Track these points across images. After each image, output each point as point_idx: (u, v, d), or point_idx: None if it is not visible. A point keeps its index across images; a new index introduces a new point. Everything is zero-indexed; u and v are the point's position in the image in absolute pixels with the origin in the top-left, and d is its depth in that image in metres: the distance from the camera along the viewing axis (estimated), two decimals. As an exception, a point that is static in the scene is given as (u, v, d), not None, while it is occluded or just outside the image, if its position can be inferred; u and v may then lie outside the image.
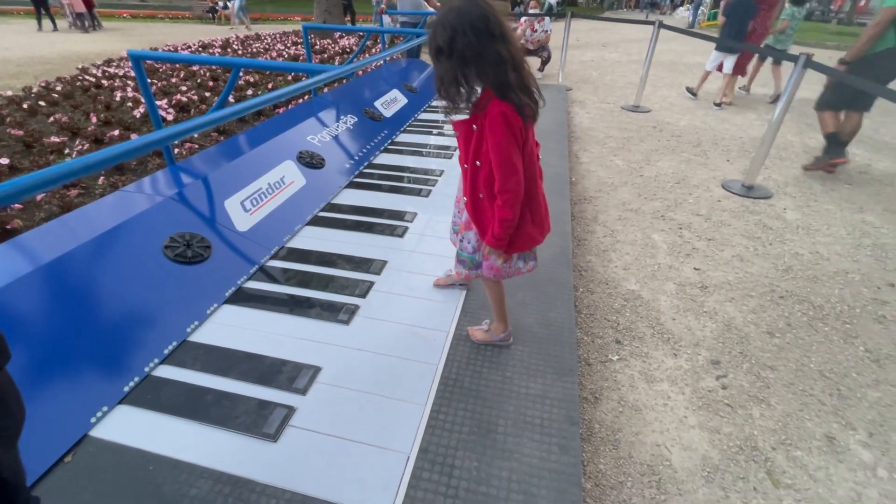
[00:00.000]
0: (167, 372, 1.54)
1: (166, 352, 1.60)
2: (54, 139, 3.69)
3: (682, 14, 15.18)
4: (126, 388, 1.45)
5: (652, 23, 5.65)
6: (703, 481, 1.41)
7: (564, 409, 1.45)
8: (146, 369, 1.52)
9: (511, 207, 1.32)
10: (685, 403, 1.67)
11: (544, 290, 2.00)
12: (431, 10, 6.44)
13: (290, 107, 4.62)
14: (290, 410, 1.40)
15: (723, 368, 1.83)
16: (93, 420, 1.35)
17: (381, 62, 5.65)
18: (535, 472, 1.26)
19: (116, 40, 10.39)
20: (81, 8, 11.71)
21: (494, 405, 1.45)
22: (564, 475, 1.25)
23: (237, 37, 10.45)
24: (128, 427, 1.35)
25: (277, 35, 10.98)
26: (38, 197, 2.88)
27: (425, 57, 7.03)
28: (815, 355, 1.90)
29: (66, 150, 3.63)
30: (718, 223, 2.92)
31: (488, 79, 1.22)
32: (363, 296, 1.93)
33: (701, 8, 14.65)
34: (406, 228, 2.45)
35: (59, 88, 5.33)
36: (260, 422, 1.36)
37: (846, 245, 2.71)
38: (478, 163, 1.34)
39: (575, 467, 1.27)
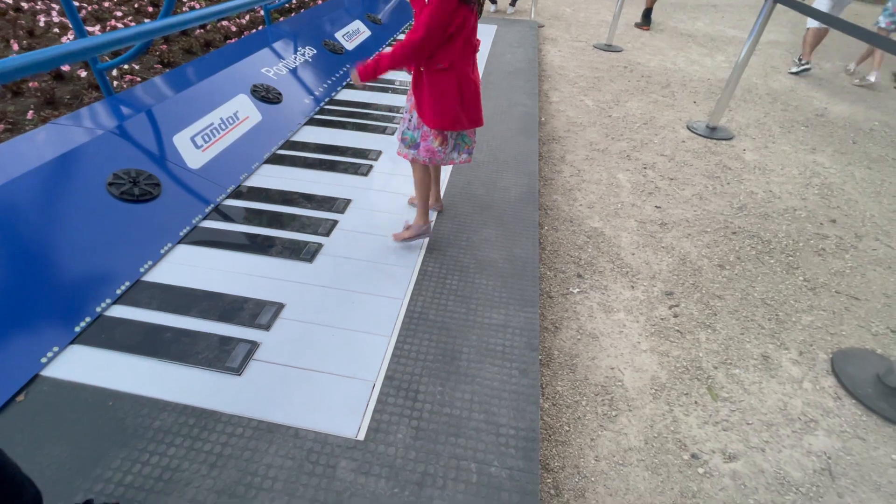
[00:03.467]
0: (121, 311, 1.48)
1: (119, 292, 1.53)
2: (-30, 68, 3.27)
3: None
4: (77, 329, 1.40)
5: (628, -46, 5.37)
6: (650, 398, 1.52)
7: (525, 337, 1.50)
8: (98, 309, 1.46)
9: (404, 50, 1.44)
10: (639, 331, 1.77)
11: (510, 227, 2.01)
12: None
13: (242, 36, 4.24)
14: (254, 345, 1.40)
15: (675, 298, 1.93)
16: (43, 360, 1.30)
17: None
18: (496, 393, 1.32)
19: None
20: None
21: (459, 335, 1.49)
22: (524, 396, 1.32)
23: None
24: (83, 366, 1.31)
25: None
26: (-42, 133, 2.60)
27: (390, -14, 6.53)
28: (760, 285, 2.03)
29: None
30: (681, 163, 2.98)
31: None
32: (327, 234, 1.89)
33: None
34: (371, 167, 2.37)
35: (-31, 11, 4.66)
36: (223, 357, 1.35)
37: (797, 184, 2.83)
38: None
39: (534, 388, 1.34)
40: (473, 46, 1.54)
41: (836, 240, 2.36)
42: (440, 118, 1.59)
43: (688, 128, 3.47)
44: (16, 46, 3.79)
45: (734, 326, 1.82)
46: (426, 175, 1.79)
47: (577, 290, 1.94)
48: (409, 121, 1.69)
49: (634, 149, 3.11)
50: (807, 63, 4.79)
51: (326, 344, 1.43)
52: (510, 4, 6.52)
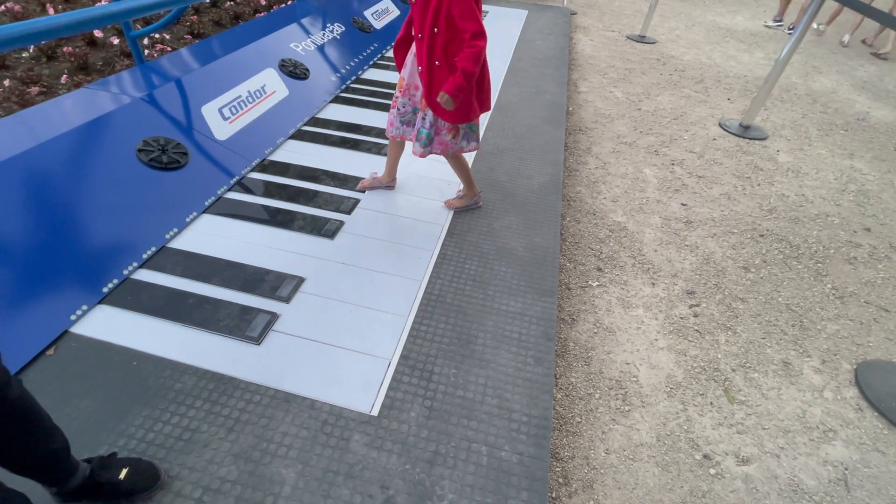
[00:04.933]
0: (147, 276, 1.52)
1: (145, 256, 1.57)
2: (8, 31, 3.34)
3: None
4: (105, 290, 1.44)
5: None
6: (665, 396, 1.51)
7: (542, 326, 1.49)
8: (125, 272, 1.50)
9: (475, 63, 1.43)
10: (657, 328, 1.75)
11: (532, 217, 1.98)
12: None
13: (271, 10, 4.23)
14: (274, 316, 1.42)
15: (697, 298, 1.89)
16: (73, 318, 1.34)
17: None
18: (511, 380, 1.32)
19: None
20: None
21: (475, 320, 1.49)
22: (537, 384, 1.32)
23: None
24: (109, 325, 1.35)
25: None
26: (-4, 93, 2.66)
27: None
28: (785, 290, 1.98)
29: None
30: (711, 161, 2.89)
31: None
32: (348, 212, 1.89)
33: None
34: (394, 148, 2.36)
35: (8, -26, 4.73)
36: (243, 326, 1.38)
37: (832, 189, 2.73)
38: (435, 30, 1.44)
39: (548, 378, 1.34)
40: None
41: (870, 249, 2.27)
42: (459, 113, 1.58)
43: (720, 125, 3.36)
44: (51, 9, 3.84)
45: (756, 330, 1.78)
46: (457, 159, 1.83)
47: (597, 283, 1.92)
48: (423, 119, 1.67)
49: (663, 144, 3.03)
50: (780, 20, 5.90)
51: (344, 320, 1.44)
52: (542, -11, 6.36)
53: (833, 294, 1.99)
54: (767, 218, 2.42)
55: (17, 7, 3.79)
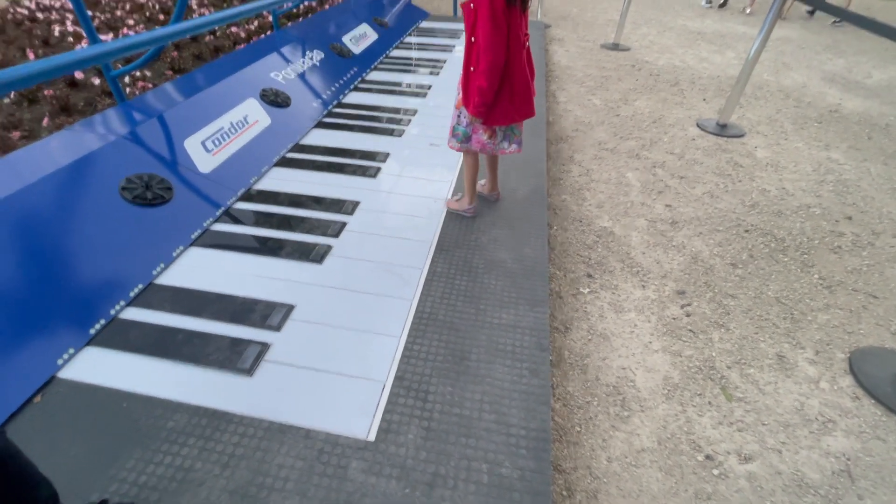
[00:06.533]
0: (135, 314, 1.50)
1: (132, 294, 1.56)
2: (-12, 78, 3.35)
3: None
4: (92, 331, 1.42)
5: (635, -48, 5.34)
6: (663, 398, 1.51)
7: (535, 336, 1.49)
8: (112, 312, 1.48)
9: (486, 77, 1.55)
10: (651, 330, 1.75)
11: (519, 228, 2.00)
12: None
13: (251, 42, 4.29)
14: (265, 346, 1.41)
15: (687, 298, 1.91)
16: (59, 362, 1.32)
17: (349, -6, 5.24)
18: (507, 394, 1.31)
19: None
20: None
21: (468, 335, 1.49)
22: (534, 396, 1.31)
23: (188, -34, 9.45)
24: (98, 367, 1.33)
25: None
26: (-23, 140, 2.66)
27: (396, -11, 6.56)
28: (774, 284, 2.00)
29: (4, 91, 3.31)
30: (691, 161, 2.94)
31: None
32: (336, 236, 1.90)
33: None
34: (379, 169, 2.38)
35: (-13, 22, 4.77)
36: (234, 358, 1.36)
37: (811, 181, 2.79)
38: (472, 39, 1.57)
39: (544, 389, 1.33)
40: (521, 42, 1.59)
41: (853, 237, 2.31)
42: (490, 116, 1.68)
43: (697, 126, 3.43)
44: (31, 55, 3.87)
45: (748, 326, 1.79)
46: (475, 162, 1.93)
47: (588, 290, 1.92)
48: (459, 116, 1.80)
49: (643, 147, 3.09)
50: (710, 2, 7.55)
51: (336, 345, 1.43)
52: (516, 5, 6.52)
53: (821, 284, 2.01)
54: (751, 213, 2.46)
55: (-4, 54, 3.81)
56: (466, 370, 1.37)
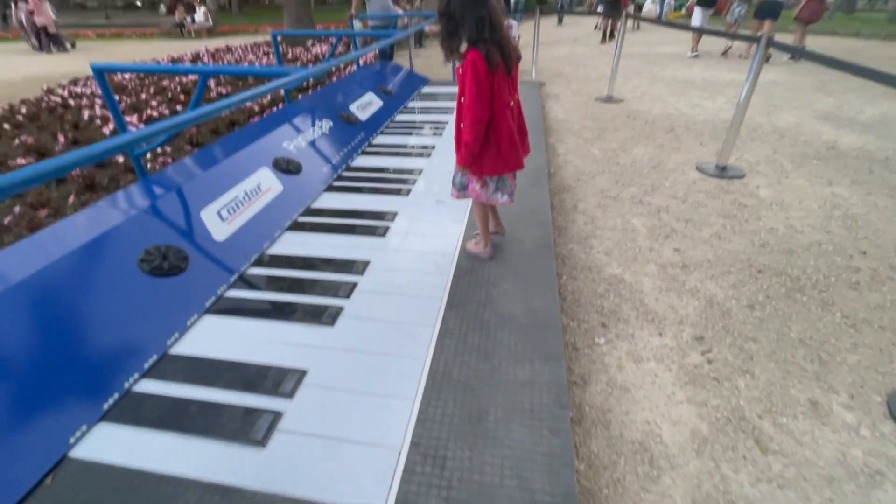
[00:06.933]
0: (148, 386, 1.50)
1: (146, 366, 1.56)
2: (20, 161, 3.59)
3: (649, 7, 15.47)
4: (105, 406, 1.41)
5: (619, 15, 5.74)
6: (694, 454, 1.43)
7: (553, 393, 1.45)
8: (126, 385, 1.48)
9: (469, 131, 1.70)
10: (672, 380, 1.69)
11: (528, 279, 2.00)
12: (401, 11, 6.45)
13: (264, 115, 4.58)
14: (277, 415, 1.38)
15: (707, 343, 1.86)
16: (72, 440, 1.30)
17: (355, 65, 5.64)
18: (528, 456, 1.26)
19: (81, 60, 10.16)
20: (50, 24, 11.30)
21: (483, 394, 1.45)
22: (557, 458, 1.25)
23: (206, 50, 10.32)
24: (109, 445, 1.31)
25: (248, 46, 10.88)
26: (6, 219, 2.80)
27: (399, 58, 7.04)
28: (795, 324, 1.94)
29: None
30: (695, 204, 2.98)
31: (467, 33, 1.62)
32: (347, 296, 1.91)
33: (668, 0, 14.97)
34: (387, 228, 2.44)
35: (23, 111, 5.18)
36: (246, 428, 1.34)
37: (818, 217, 2.79)
38: (462, 99, 1.73)
39: (567, 449, 1.28)
40: (505, 102, 1.76)
41: (870, 272, 2.27)
42: (479, 166, 1.84)
43: (697, 169, 3.50)
44: (62, 139, 4.15)
45: (774, 370, 1.72)
46: (484, 208, 2.06)
47: (603, 339, 1.89)
48: (457, 168, 1.96)
49: (646, 193, 3.14)
50: (696, 53, 8.73)
51: (349, 410, 1.40)
52: (512, 67, 6.92)
53: (844, 323, 1.95)
54: (761, 253, 2.44)
55: (30, 140, 4.10)
56: (484, 432, 1.32)
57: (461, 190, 2.01)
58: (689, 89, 5.96)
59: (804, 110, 4.97)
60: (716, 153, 3.73)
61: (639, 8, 12.96)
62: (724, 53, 8.73)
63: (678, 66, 7.47)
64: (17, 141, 4.10)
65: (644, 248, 2.51)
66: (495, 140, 1.78)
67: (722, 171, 3.40)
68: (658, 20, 11.77)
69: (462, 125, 1.78)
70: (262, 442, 1.30)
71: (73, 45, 12.04)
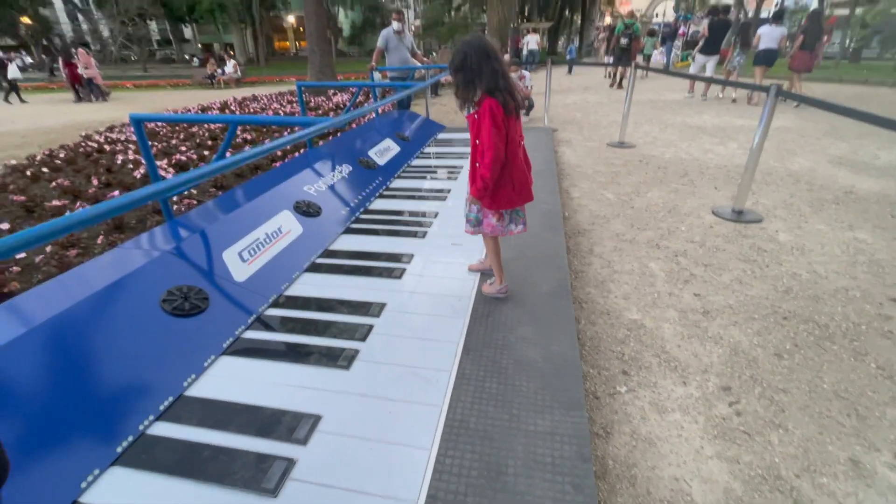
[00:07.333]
0: (162, 429, 1.48)
1: (162, 408, 1.55)
2: (56, 203, 3.76)
3: (657, 57, 16.06)
4: (119, 449, 1.39)
5: (629, 65, 5.96)
6: (728, 516, 1.33)
7: (575, 445, 1.39)
8: (140, 427, 1.47)
9: (489, 169, 1.84)
10: (700, 433, 1.61)
11: (546, 324, 1.98)
12: (419, 64, 6.80)
13: (286, 160, 4.77)
14: (290, 463, 1.35)
15: (735, 394, 1.78)
16: (83, 485, 1.28)
17: (374, 114, 5.90)
18: (550, 515, 1.19)
19: (120, 108, 10.84)
20: (95, 76, 12.17)
21: (503, 445, 1.40)
22: (581, 517, 1.19)
23: (234, 99, 10.94)
24: (120, 490, 1.28)
25: (273, 95, 11.50)
26: (37, 258, 2.90)
27: (415, 107, 7.35)
28: (827, 375, 1.86)
29: (67, 213, 3.68)
30: (713, 248, 2.95)
31: (484, 84, 1.80)
32: (363, 339, 1.90)
33: (674, 51, 15.53)
34: (404, 270, 2.46)
35: (62, 155, 5.49)
36: (259, 476, 1.30)
37: (842, 263, 2.73)
38: (477, 141, 1.89)
39: (591, 507, 1.21)
40: (517, 142, 1.93)
41: (902, 320, 2.19)
42: (496, 201, 1.96)
43: (713, 213, 3.50)
44: (95, 181, 4.36)
45: (809, 425, 1.63)
46: (497, 244, 2.14)
47: (625, 388, 1.83)
48: (471, 205, 2.08)
49: (662, 237, 3.13)
50: (691, 93, 9.64)
51: (364, 459, 1.36)
52: (524, 113, 7.16)
53: (881, 374, 1.86)
54: (785, 299, 2.38)
55: (65, 182, 4.31)
56: (504, 486, 1.27)
57: (476, 226, 2.10)
58: (701, 135, 6.05)
59: (818, 155, 4.99)
60: (731, 197, 3.74)
61: (647, 58, 13.46)
62: (718, 96, 9.21)
63: (688, 113, 7.63)
64: (53, 184, 4.31)
65: (663, 293, 2.47)
66: (510, 177, 1.93)
67: (739, 216, 3.39)
68: (666, 69, 12.18)
69: (477, 164, 1.93)
70: (273, 492, 1.26)
71: (107, 96, 12.88)
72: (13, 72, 12.30)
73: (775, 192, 3.93)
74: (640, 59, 11.98)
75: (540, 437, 1.42)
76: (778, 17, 8.51)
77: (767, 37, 8.05)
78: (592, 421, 1.67)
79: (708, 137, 5.91)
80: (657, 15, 35.79)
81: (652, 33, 14.93)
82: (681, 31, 15.69)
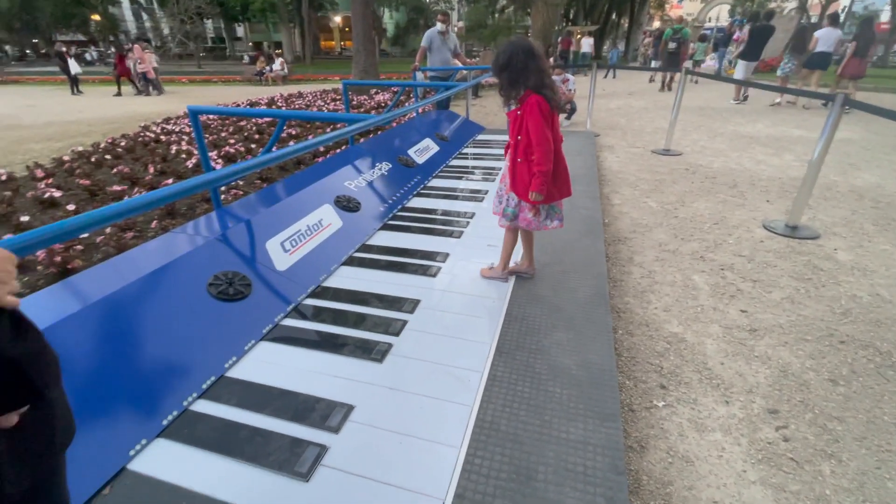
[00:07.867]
0: (204, 406, 1.55)
1: (204, 386, 1.62)
2: (116, 188, 4.01)
3: (709, 63, 15.41)
4: (165, 422, 1.47)
5: (677, 70, 5.75)
6: (771, 546, 1.26)
7: (609, 457, 1.35)
8: (185, 403, 1.54)
9: (544, 162, 1.90)
10: (742, 456, 1.53)
11: (582, 331, 1.93)
12: (460, 65, 6.81)
13: (328, 156, 4.89)
14: (323, 449, 1.38)
15: (782, 418, 1.68)
16: (131, 453, 1.36)
17: (415, 114, 5.95)
18: (581, 525, 1.16)
19: (175, 101, 11.44)
20: (151, 72, 12.96)
21: (534, 451, 1.38)
22: (613, 531, 1.15)
23: (281, 95, 11.31)
24: (164, 461, 1.35)
25: (318, 93, 11.82)
26: (98, 239, 3.10)
27: (455, 107, 7.36)
28: (889, 406, 1.72)
29: (126, 198, 3.92)
30: (763, 264, 2.80)
31: (530, 82, 1.88)
32: (397, 334, 1.92)
33: (727, 56, 14.88)
34: (439, 268, 2.47)
35: (123, 144, 5.85)
36: (292, 460, 1.34)
37: (909, 287, 2.52)
38: (519, 137, 1.96)
39: (624, 522, 1.17)
40: (560, 137, 2.00)
41: (978, 353, 2.00)
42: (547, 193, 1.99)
43: (764, 227, 3.32)
44: (151, 169, 4.61)
45: (866, 458, 1.52)
46: (514, 239, 2.26)
47: (663, 403, 1.76)
48: (508, 200, 2.13)
49: (707, 249, 3.00)
50: (738, 100, 9.24)
51: (394, 452, 1.37)
52: (566, 118, 7.04)
53: (950, 410, 1.71)
54: (843, 322, 2.23)
55: (126, 169, 4.59)
56: (534, 492, 1.24)
57: (512, 220, 2.15)
58: (753, 145, 5.76)
59: (885, 170, 4.65)
60: (784, 211, 3.53)
61: (697, 64, 12.95)
62: (773, 105, 8.80)
63: (739, 121, 7.28)
64: (114, 170, 4.60)
65: (707, 308, 2.36)
66: (554, 170, 1.98)
67: (793, 231, 3.20)
68: (717, 76, 11.67)
69: (519, 160, 1.99)
70: (305, 476, 1.29)
71: (161, 89, 13.60)
72: (74, 67, 13.18)
73: (835, 207, 3.68)
74: (689, 64, 11.55)
75: (572, 445, 1.39)
76: (834, 20, 8.06)
77: (824, 39, 7.75)
78: (627, 434, 1.62)
79: (761, 148, 5.61)
80: (709, 20, 34.39)
81: (703, 38, 14.34)
82: (735, 37, 15.03)
